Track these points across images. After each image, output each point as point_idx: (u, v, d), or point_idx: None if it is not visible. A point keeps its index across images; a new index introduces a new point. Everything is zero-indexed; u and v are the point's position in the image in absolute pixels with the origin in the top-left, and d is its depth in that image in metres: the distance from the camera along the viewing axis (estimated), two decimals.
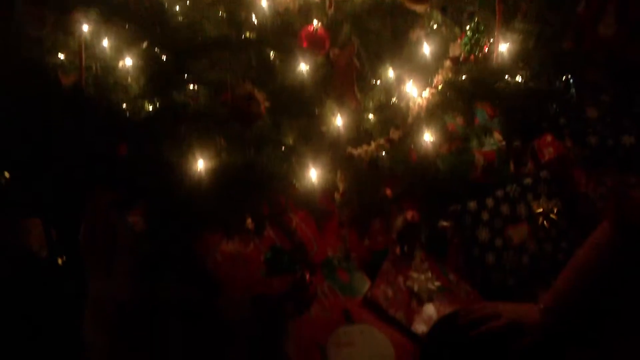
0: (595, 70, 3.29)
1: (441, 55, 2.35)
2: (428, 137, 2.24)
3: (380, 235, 2.42)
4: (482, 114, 2.56)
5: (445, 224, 2.47)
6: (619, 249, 1.81)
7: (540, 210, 2.54)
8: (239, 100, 2.00)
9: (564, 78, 2.86)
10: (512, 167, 2.62)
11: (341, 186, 2.17)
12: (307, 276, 2.15)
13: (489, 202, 2.50)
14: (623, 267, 1.81)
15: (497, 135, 2.63)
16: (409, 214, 2.30)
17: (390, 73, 2.31)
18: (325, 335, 2.11)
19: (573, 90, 2.92)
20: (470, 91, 2.28)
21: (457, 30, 2.40)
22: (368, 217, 2.34)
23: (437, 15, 2.38)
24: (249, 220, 2.09)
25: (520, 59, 2.40)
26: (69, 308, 2.15)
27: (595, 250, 1.86)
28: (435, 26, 2.39)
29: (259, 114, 2.01)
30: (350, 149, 2.20)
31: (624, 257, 1.80)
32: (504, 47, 2.35)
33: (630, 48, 3.28)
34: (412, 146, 2.26)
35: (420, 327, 2.22)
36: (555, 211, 2.55)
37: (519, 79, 2.41)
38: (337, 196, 2.17)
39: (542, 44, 2.47)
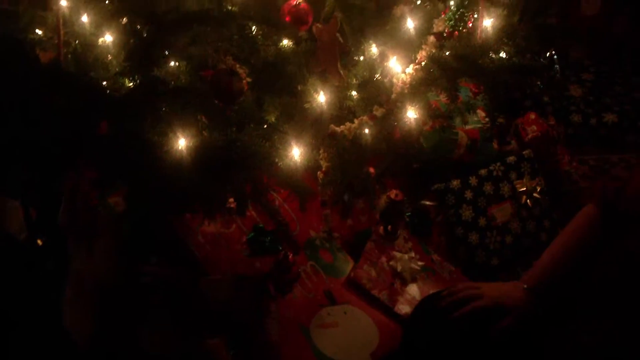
0: (579, 48, 3.28)
1: (425, 30, 2.31)
2: (412, 114, 2.20)
3: (364, 214, 2.39)
4: (466, 91, 2.53)
5: (428, 203, 2.46)
6: (600, 231, 1.81)
7: (524, 189, 2.53)
8: (220, 76, 1.95)
9: (548, 54, 2.84)
10: (495, 145, 2.60)
11: (324, 165, 2.13)
12: (290, 257, 2.13)
13: (473, 180, 2.49)
14: (603, 249, 1.81)
15: (480, 113, 2.61)
16: (393, 193, 2.27)
17: (374, 49, 2.27)
18: (308, 317, 2.09)
19: (557, 66, 2.90)
20: (453, 67, 2.24)
21: (441, 5, 2.36)
22: (351, 196, 2.31)
23: None
24: (230, 200, 2.05)
25: (505, 34, 2.36)
26: (49, 290, 2.11)
27: (578, 233, 1.85)
28: (419, 1, 2.35)
29: (241, 90, 1.96)
30: (333, 127, 2.16)
31: (604, 239, 1.81)
32: (488, 22, 2.32)
33: (614, 23, 3.27)
34: (396, 123, 2.22)
35: (403, 308, 2.20)
36: (538, 190, 2.54)
37: (503, 54, 2.38)
38: (319, 175, 2.13)
39: (526, 19, 2.43)
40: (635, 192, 1.75)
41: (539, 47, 2.61)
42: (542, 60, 2.79)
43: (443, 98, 2.38)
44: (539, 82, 2.82)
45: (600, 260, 1.83)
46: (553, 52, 2.94)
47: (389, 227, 2.32)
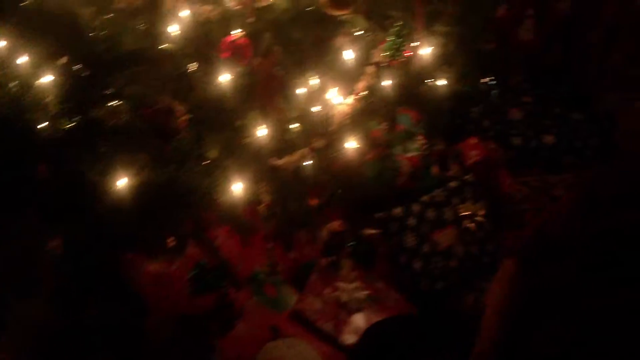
0: (518, 73, 3.35)
1: (364, 61, 2.34)
2: (352, 144, 2.23)
3: (307, 246, 2.40)
4: (407, 118, 2.56)
5: (372, 232, 2.47)
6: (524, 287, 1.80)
7: (467, 213, 2.55)
8: (157, 115, 1.96)
9: (487, 80, 2.90)
10: (436, 171, 2.63)
11: (265, 198, 2.15)
12: (232, 293, 2.12)
13: (415, 207, 2.51)
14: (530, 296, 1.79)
15: (421, 140, 2.64)
16: (334, 224, 2.29)
17: (314, 81, 2.29)
18: (253, 352, 2.08)
19: (495, 91, 2.96)
20: (393, 96, 2.28)
21: (380, 35, 2.40)
22: (294, 228, 2.32)
23: (361, 21, 2.37)
24: (171, 239, 2.05)
25: (443, 62, 2.41)
26: None
27: (505, 288, 1.84)
28: (359, 32, 2.38)
29: (178, 128, 1.97)
30: (273, 160, 2.18)
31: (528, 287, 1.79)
32: (426, 51, 2.36)
33: (547, 53, 3.34)
34: (337, 154, 2.25)
35: (349, 338, 2.21)
36: (481, 214, 2.57)
37: (442, 81, 2.42)
38: (261, 209, 2.15)
39: (463, 46, 2.48)
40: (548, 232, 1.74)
41: (477, 73, 2.66)
42: (480, 86, 2.84)
43: (385, 126, 2.41)
44: (479, 108, 2.88)
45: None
46: (492, 78, 2.99)
47: (332, 258, 2.33)
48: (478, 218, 2.57)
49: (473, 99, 2.89)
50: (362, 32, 2.36)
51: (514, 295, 1.79)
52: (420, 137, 2.59)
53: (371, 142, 2.39)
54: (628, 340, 1.42)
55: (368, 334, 2.11)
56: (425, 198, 2.54)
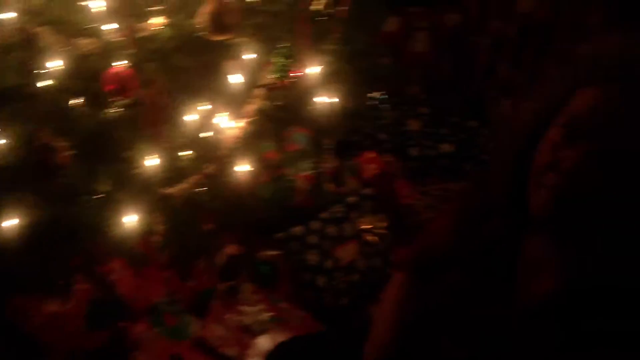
0: (414, 85, 3.41)
1: (253, 83, 2.35)
2: (245, 167, 2.23)
3: (206, 273, 2.39)
4: (302, 137, 2.58)
5: (272, 253, 2.48)
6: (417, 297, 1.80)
7: (367, 227, 2.58)
8: (39, 152, 1.92)
9: (377, 94, 2.94)
10: (333, 187, 2.65)
11: (159, 229, 2.13)
12: (129, 326, 2.09)
13: (315, 225, 2.52)
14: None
15: (317, 158, 2.66)
16: (231, 248, 2.28)
17: (203, 107, 2.29)
18: None
19: (386, 105, 3.00)
20: (282, 117, 2.29)
21: (268, 57, 2.40)
22: (191, 256, 2.31)
23: (249, 44, 2.38)
24: (64, 277, 2.01)
25: (332, 79, 2.43)
26: None
27: (394, 303, 1.84)
28: (247, 56, 2.38)
29: (60, 164, 1.93)
30: (165, 189, 2.16)
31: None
32: (314, 70, 2.38)
33: (440, 64, 3.42)
34: (229, 179, 2.24)
35: None
36: (381, 226, 2.60)
37: (332, 99, 2.44)
38: (155, 239, 2.13)
39: (352, 63, 2.51)
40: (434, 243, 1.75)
41: (367, 88, 2.69)
42: (371, 100, 2.88)
43: (276, 148, 2.42)
44: (372, 122, 2.92)
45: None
46: (382, 92, 3.04)
47: (232, 282, 2.32)
48: (379, 231, 2.59)
49: (364, 114, 2.93)
50: (250, 55, 2.36)
51: (403, 310, 1.79)
52: (315, 155, 2.60)
53: (265, 164, 2.39)
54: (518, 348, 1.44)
55: (272, 355, 2.10)
56: (324, 215, 2.56)
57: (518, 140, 1.37)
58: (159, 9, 2.18)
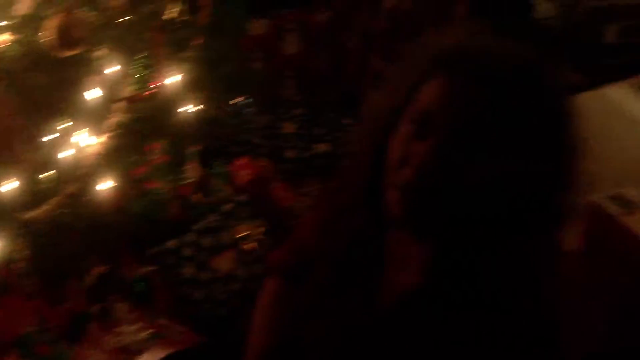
0: (288, 87, 3.40)
1: (113, 97, 2.28)
2: (108, 184, 2.16)
3: (78, 296, 2.30)
4: (167, 148, 2.53)
5: (147, 269, 2.41)
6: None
7: (244, 234, 2.54)
8: None
9: (242, 99, 2.91)
10: (202, 197, 2.60)
11: (22, 254, 2.04)
12: None
13: (190, 237, 2.48)
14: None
15: (190, 167, 2.61)
16: (100, 268, 2.20)
17: (61, 125, 2.21)
18: None
19: (250, 109, 2.97)
20: (144, 129, 2.23)
21: (126, 70, 2.34)
22: (59, 280, 2.22)
23: (105, 57, 2.31)
24: None
25: (193, 87, 2.39)
26: None
27: (267, 309, 1.81)
28: (104, 69, 2.31)
29: None
30: (26, 213, 2.07)
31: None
32: (174, 79, 2.33)
33: (313, 64, 3.42)
34: (94, 196, 2.17)
35: None
36: (259, 232, 2.56)
37: (194, 107, 2.39)
38: (18, 266, 2.04)
39: (213, 69, 2.47)
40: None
41: (235, 93, 2.66)
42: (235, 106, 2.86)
43: (143, 161, 2.36)
44: (242, 128, 2.89)
45: None
46: (247, 97, 3.01)
47: (104, 303, 2.25)
48: (257, 237, 2.56)
49: (228, 120, 2.90)
50: (107, 68, 2.29)
51: (275, 315, 1.77)
52: (180, 166, 2.55)
53: (131, 178, 2.32)
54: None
55: None
56: (198, 226, 2.51)
57: (374, 134, 1.36)
58: (3, 25, 2.08)
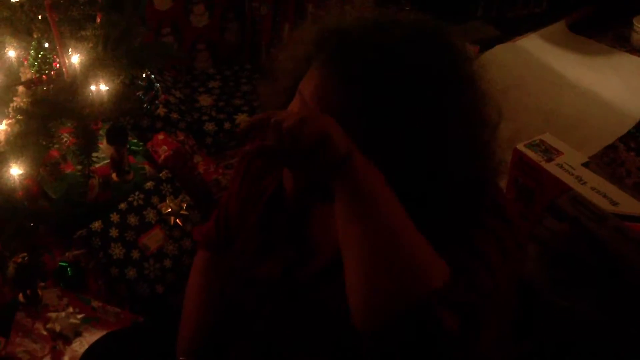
0: (202, 60, 3.36)
1: (13, 82, 2.21)
2: (16, 171, 2.09)
3: (1, 286, 2.24)
4: (78, 130, 2.45)
5: (75, 252, 2.36)
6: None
7: (169, 210, 2.50)
8: None
9: (148, 74, 2.86)
10: (115, 177, 2.55)
11: None
12: None
13: (115, 217, 2.42)
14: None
15: (107, 148, 2.55)
16: (20, 256, 2.13)
17: None
18: None
19: (157, 85, 2.92)
20: (49, 112, 2.16)
21: (21, 52, 2.26)
22: None
23: (1, 40, 2.24)
24: None
25: (97, 65, 2.31)
26: None
27: (197, 280, 1.80)
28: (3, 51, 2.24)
29: None
30: None
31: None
32: (75, 58, 2.26)
33: (226, 31, 3.39)
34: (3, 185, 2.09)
35: None
36: (184, 207, 2.53)
37: (98, 85, 2.32)
38: None
39: (116, 45, 2.39)
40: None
41: (142, 69, 2.59)
42: (142, 81, 2.80)
43: (55, 145, 2.28)
44: (156, 102, 2.83)
45: None
46: (149, 72, 2.95)
47: (29, 291, 2.19)
48: (183, 212, 2.52)
49: (141, 96, 2.85)
50: (6, 50, 2.22)
51: (203, 286, 1.76)
52: (92, 147, 2.47)
53: (45, 162, 2.25)
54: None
55: (86, 356, 1.99)
56: (122, 205, 2.46)
57: (280, 97, 1.37)
58: None
